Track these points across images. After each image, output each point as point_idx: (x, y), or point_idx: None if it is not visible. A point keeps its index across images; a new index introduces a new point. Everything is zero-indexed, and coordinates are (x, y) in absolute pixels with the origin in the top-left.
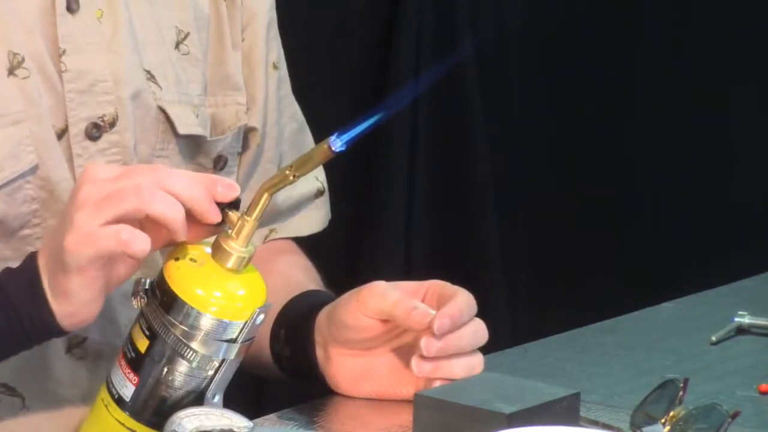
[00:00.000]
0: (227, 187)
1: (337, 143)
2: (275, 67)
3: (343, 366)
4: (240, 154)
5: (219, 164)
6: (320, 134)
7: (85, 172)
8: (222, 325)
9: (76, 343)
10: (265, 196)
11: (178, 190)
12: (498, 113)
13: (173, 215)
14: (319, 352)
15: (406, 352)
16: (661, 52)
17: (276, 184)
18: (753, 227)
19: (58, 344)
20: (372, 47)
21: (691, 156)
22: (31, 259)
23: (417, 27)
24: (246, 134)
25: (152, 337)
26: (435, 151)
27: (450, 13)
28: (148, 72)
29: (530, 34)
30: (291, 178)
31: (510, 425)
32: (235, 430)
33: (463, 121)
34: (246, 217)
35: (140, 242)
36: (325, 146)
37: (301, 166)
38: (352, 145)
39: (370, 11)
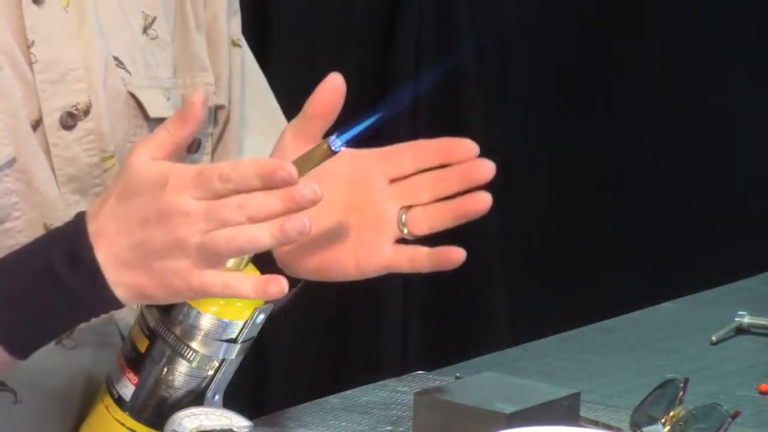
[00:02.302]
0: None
1: (337, 143)
2: (235, 44)
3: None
4: (211, 134)
5: (193, 147)
6: None
7: (171, 202)
8: (222, 325)
9: (66, 334)
10: None
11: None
12: (498, 113)
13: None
14: None
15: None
16: (661, 53)
17: None
18: (753, 227)
19: None
20: (372, 47)
21: (692, 156)
22: (87, 251)
23: (417, 27)
24: (215, 112)
25: (152, 337)
26: None
27: (450, 13)
28: (116, 58)
29: (530, 34)
30: None
31: (510, 425)
32: (235, 430)
33: (463, 121)
34: None
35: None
36: (325, 146)
37: (300, 166)
38: (352, 145)
39: (370, 11)
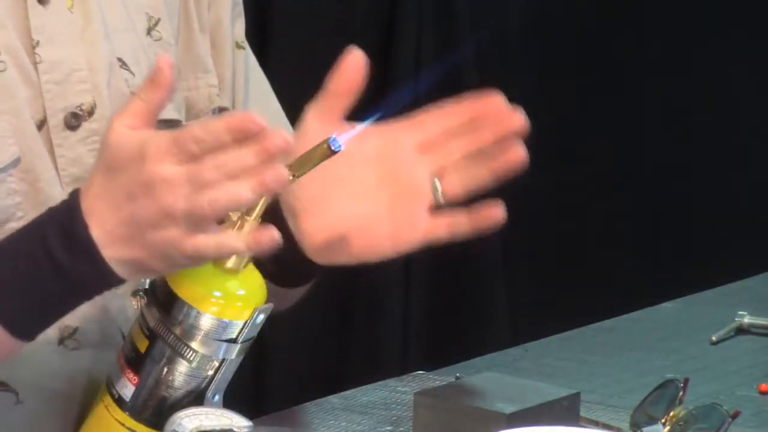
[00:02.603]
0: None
1: (336, 143)
2: (239, 46)
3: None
4: None
5: None
6: None
7: (152, 172)
8: (222, 325)
9: (68, 335)
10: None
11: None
12: None
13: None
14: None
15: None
16: (661, 53)
17: None
18: (753, 227)
19: (49, 336)
20: (372, 48)
21: (692, 156)
22: (81, 230)
23: (417, 27)
24: (218, 114)
25: (152, 337)
26: None
27: (450, 13)
28: (120, 59)
29: (530, 34)
30: (290, 177)
31: (510, 425)
32: (235, 430)
33: None
34: (246, 216)
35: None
36: (325, 146)
37: (300, 166)
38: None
39: (370, 11)
